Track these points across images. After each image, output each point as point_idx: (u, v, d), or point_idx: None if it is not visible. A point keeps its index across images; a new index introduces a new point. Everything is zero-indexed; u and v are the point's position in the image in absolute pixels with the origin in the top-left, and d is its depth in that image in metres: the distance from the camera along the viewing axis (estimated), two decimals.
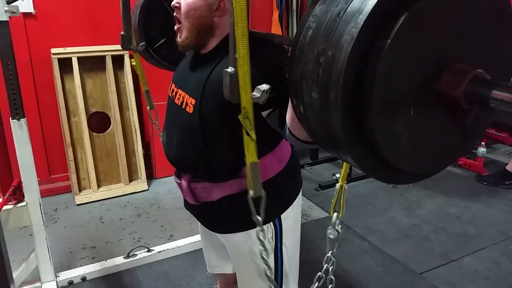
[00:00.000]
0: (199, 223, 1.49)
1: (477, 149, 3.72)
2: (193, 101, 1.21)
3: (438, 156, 0.69)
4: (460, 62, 0.61)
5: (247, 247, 1.30)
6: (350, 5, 0.59)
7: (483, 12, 0.63)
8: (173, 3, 1.22)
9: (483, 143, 3.72)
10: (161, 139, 1.43)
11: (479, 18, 0.63)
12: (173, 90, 1.34)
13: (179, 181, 1.32)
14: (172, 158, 1.32)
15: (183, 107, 1.25)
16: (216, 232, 1.39)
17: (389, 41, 0.56)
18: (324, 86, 0.60)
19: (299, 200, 1.37)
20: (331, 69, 0.59)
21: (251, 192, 0.89)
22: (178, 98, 1.29)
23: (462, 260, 2.49)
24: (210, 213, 1.34)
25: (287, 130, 0.97)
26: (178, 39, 1.23)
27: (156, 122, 1.89)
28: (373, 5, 0.56)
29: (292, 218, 1.32)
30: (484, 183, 3.49)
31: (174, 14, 1.23)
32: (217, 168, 1.25)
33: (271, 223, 1.28)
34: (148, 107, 1.89)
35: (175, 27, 1.24)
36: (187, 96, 1.24)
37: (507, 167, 3.44)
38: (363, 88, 0.58)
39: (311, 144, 0.95)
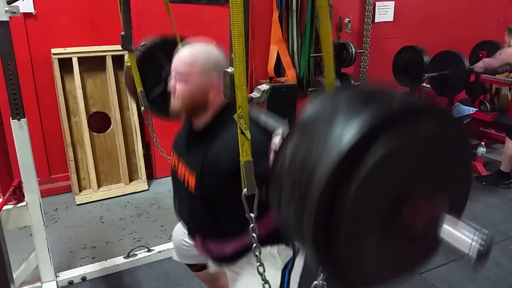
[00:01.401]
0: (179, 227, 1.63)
1: (477, 149, 3.72)
2: (193, 181, 1.30)
3: (397, 273, 0.74)
4: (420, 192, 0.66)
5: (251, 269, 1.36)
6: (324, 145, 0.62)
7: (442, 149, 0.67)
8: (168, 87, 1.31)
9: (482, 143, 3.73)
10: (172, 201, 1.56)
11: (438, 155, 0.67)
12: (175, 162, 1.45)
13: (193, 240, 1.46)
14: (185, 223, 1.48)
15: (185, 185, 1.35)
16: (222, 267, 1.48)
17: (353, 190, 0.60)
18: (298, 217, 0.65)
19: None
20: (303, 206, 0.63)
21: (244, 190, 0.92)
22: (180, 173, 1.40)
23: (462, 260, 2.48)
24: (223, 260, 1.44)
25: None
26: (172, 105, 1.32)
27: (150, 123, 1.90)
28: (341, 157, 0.59)
29: None
30: (484, 183, 3.49)
31: (171, 97, 1.32)
32: (227, 231, 1.35)
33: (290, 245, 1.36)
34: (142, 108, 1.89)
35: (171, 93, 1.32)
36: (187, 173, 1.35)
37: (501, 168, 3.46)
38: (331, 225, 0.62)
39: None
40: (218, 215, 1.33)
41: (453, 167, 0.71)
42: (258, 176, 0.93)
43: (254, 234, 0.95)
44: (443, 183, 0.70)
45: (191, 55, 1.28)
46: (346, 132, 0.60)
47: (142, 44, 1.83)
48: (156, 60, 1.81)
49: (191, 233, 1.47)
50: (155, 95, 1.84)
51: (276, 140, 0.96)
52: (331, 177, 0.60)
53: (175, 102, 1.29)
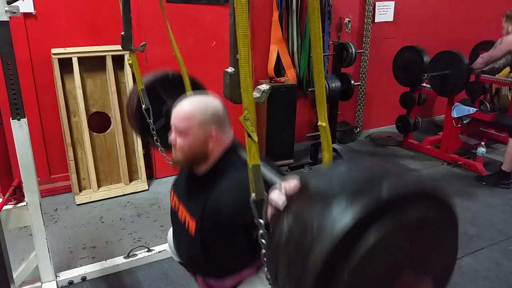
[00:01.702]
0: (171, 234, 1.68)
1: (477, 149, 3.72)
2: (194, 225, 1.36)
3: None
4: (408, 271, 0.71)
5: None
6: (318, 231, 0.66)
7: (430, 231, 0.72)
8: (169, 138, 1.37)
9: (483, 143, 3.73)
10: (173, 241, 1.64)
11: (426, 237, 0.73)
12: (175, 203, 1.50)
13: (194, 277, 1.53)
14: (184, 263, 1.55)
15: (186, 227, 1.40)
16: None
17: (346, 276, 0.64)
18: None
19: None
20: (298, 283, 0.67)
21: (253, 195, 0.90)
22: (180, 215, 1.45)
23: (462, 260, 2.48)
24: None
25: None
26: (173, 157, 1.38)
27: (151, 121, 1.91)
28: (342, 233, 0.63)
29: None
30: (484, 183, 3.49)
31: (172, 143, 1.37)
32: (227, 270, 1.41)
33: None
34: (144, 106, 1.90)
35: (172, 146, 1.37)
36: (188, 217, 1.40)
37: (502, 167, 3.45)
38: None
39: None
40: (217, 257, 1.37)
41: (440, 245, 0.76)
42: (255, 226, 0.95)
43: (263, 240, 0.93)
44: (430, 260, 0.75)
45: (189, 110, 1.32)
46: (339, 221, 0.63)
47: (142, 44, 1.83)
48: (157, 95, 1.91)
49: (192, 273, 1.54)
50: (157, 128, 1.93)
51: (274, 195, 0.99)
52: (323, 264, 0.63)
53: (176, 154, 1.35)
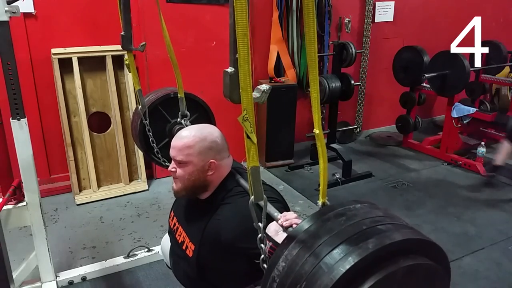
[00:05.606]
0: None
1: (477, 149, 3.72)
2: (193, 246, 1.38)
3: None
4: None
5: None
6: (313, 274, 0.70)
7: (419, 278, 0.76)
8: (169, 168, 1.40)
9: (482, 143, 3.72)
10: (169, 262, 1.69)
11: (415, 284, 0.76)
12: (175, 224, 1.55)
13: None
14: (180, 282, 1.56)
15: (184, 248, 1.43)
16: None
17: None
18: None
19: None
20: None
21: (252, 198, 0.89)
22: (179, 235, 1.48)
23: (462, 260, 2.49)
24: None
25: None
26: (174, 187, 1.41)
27: (147, 122, 1.91)
28: None
29: None
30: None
31: (172, 175, 1.40)
32: None
33: None
34: (140, 106, 1.90)
35: (172, 176, 1.40)
36: (187, 239, 1.42)
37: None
38: None
39: None
40: (214, 278, 1.39)
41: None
42: (254, 255, 0.96)
43: (262, 245, 0.93)
44: None
45: (187, 140, 1.35)
46: (330, 272, 0.69)
47: (142, 44, 1.83)
48: (161, 114, 1.97)
49: None
50: (161, 145, 1.98)
51: (271, 229, 1.01)
52: None
53: (177, 184, 1.38)
